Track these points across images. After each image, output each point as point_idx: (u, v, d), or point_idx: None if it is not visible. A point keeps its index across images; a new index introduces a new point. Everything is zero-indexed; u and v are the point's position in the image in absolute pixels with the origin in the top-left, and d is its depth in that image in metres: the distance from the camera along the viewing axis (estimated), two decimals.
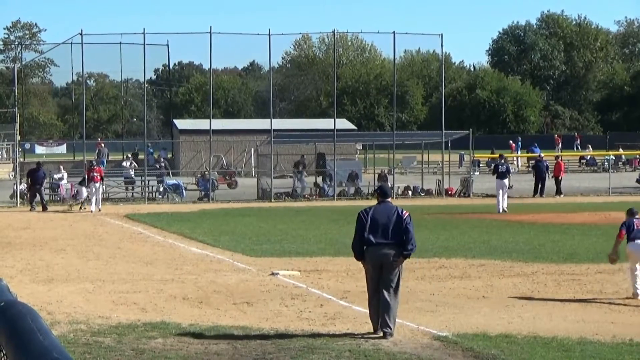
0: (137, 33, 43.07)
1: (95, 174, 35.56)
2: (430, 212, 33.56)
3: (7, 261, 20.32)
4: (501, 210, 33.61)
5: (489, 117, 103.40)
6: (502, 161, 36.47)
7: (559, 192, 41.62)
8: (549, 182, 42.07)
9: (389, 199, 12.69)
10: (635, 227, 16.41)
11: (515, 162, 62.14)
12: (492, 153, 55.40)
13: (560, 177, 42.28)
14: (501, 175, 34.67)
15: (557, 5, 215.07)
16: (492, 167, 39.77)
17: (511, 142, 73.92)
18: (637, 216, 16.86)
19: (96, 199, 35.15)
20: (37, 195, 36.18)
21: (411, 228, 12.09)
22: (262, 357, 10.89)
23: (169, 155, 60.40)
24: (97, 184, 35.40)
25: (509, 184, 35.73)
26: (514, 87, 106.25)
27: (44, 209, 35.50)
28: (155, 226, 28.55)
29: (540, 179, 41.85)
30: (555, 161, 43.20)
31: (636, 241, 16.22)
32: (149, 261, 20.23)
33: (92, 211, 34.17)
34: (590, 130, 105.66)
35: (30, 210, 35.42)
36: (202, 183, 41.82)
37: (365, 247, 12.14)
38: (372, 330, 12.25)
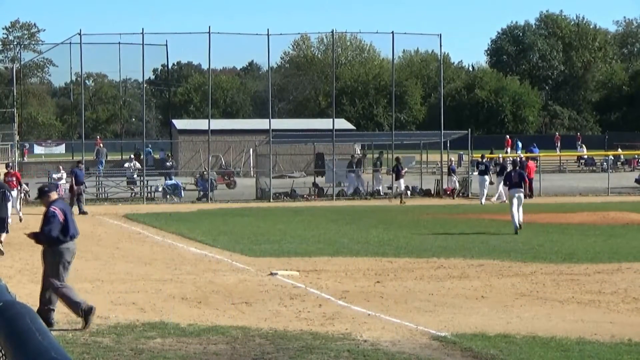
0: (135, 33, 43.17)
1: (11, 178, 30.34)
2: (428, 212, 33.60)
3: (6, 261, 20.31)
4: (483, 202, 37.57)
5: (488, 117, 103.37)
6: (483, 160, 40.21)
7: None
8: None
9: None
10: (512, 179, 26.83)
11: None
12: (492, 153, 55.39)
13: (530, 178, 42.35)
14: (481, 172, 38.92)
15: (556, 6, 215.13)
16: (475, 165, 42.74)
17: (508, 137, 74.26)
18: (517, 168, 28.05)
19: (16, 208, 29.35)
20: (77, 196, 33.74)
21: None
22: (261, 357, 10.88)
23: (166, 155, 60.35)
24: (14, 191, 29.60)
25: (490, 180, 39.35)
26: (512, 87, 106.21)
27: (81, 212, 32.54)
28: (154, 226, 28.55)
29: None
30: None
31: (512, 189, 26.59)
32: (148, 261, 20.23)
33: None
34: (589, 130, 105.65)
35: (79, 213, 32.17)
36: (201, 183, 41.82)
37: (65, 241, 12.97)
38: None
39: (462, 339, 11.77)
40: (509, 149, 68.64)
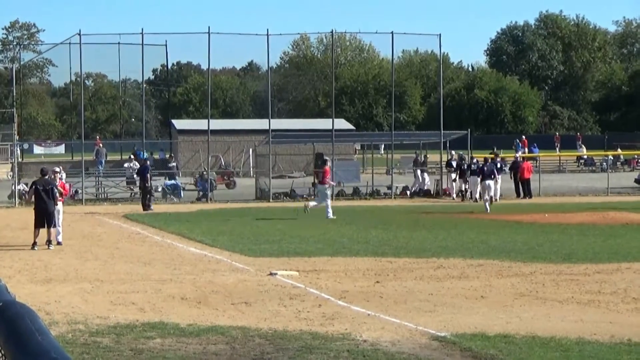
0: (135, 33, 43.21)
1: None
2: (428, 212, 33.60)
3: (6, 261, 20.32)
4: (472, 201, 39.05)
5: (488, 117, 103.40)
6: (474, 161, 41.27)
7: (526, 194, 41.71)
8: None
9: None
10: (485, 171, 35.41)
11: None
12: (493, 153, 55.34)
13: (527, 178, 42.46)
14: (473, 172, 39.89)
15: (556, 6, 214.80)
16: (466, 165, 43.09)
17: (524, 137, 74.42)
18: (488, 163, 36.32)
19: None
20: (148, 194, 34.91)
21: None
22: (261, 357, 10.89)
23: (167, 156, 60.32)
24: None
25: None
26: (512, 87, 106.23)
27: (146, 208, 34.16)
28: (154, 226, 28.54)
29: (517, 181, 42.33)
30: (516, 162, 43.78)
31: (484, 181, 35.19)
32: (147, 261, 20.23)
33: None
34: (589, 130, 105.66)
35: (144, 210, 34.26)
36: (201, 183, 41.80)
37: None
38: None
39: (462, 339, 11.77)
40: (525, 149, 68.40)
